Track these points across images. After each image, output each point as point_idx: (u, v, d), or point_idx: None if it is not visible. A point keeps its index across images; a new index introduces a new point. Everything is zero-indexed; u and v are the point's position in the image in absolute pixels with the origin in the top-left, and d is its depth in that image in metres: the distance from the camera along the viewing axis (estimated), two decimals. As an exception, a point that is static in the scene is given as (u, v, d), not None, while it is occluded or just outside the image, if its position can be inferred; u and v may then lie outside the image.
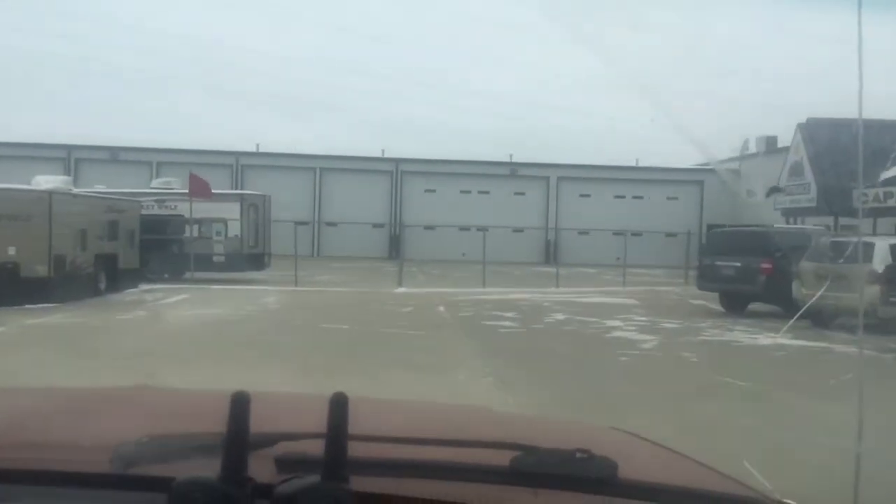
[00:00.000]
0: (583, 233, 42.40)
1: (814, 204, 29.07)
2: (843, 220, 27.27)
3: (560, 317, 17.65)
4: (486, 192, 46.49)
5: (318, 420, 1.17)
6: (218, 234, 25.93)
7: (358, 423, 1.17)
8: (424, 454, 1.28)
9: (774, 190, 31.74)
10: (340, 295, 22.35)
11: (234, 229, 25.99)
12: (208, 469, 1.11)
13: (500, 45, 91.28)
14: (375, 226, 45.36)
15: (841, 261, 15.10)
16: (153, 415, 1.73)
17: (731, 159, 42.10)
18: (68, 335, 13.67)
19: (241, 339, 13.20)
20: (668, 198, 46.72)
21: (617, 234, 35.82)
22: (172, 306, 18.42)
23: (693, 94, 46.88)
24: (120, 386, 2.04)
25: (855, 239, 16.60)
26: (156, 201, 25.41)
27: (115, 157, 44.61)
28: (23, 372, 9.23)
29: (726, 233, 22.67)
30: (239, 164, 45.74)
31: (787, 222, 29.57)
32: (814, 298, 15.45)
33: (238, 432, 1.13)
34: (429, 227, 39.99)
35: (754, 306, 19.05)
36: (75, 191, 21.61)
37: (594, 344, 13.80)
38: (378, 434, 1.32)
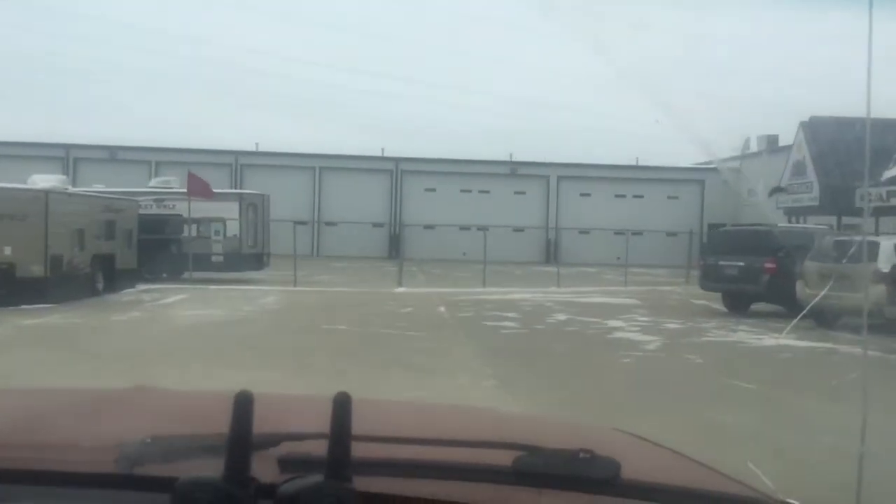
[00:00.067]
0: (583, 232, 42.29)
1: (816, 203, 28.94)
2: (845, 220, 27.13)
3: (562, 317, 17.50)
4: (487, 192, 46.37)
5: (321, 420, 1.17)
6: (216, 233, 25.77)
7: (361, 423, 1.17)
8: (427, 454, 1.28)
9: (777, 190, 31.58)
10: (340, 295, 22.21)
11: (233, 229, 25.83)
12: (212, 469, 1.12)
13: (501, 45, 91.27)
14: (375, 225, 45.22)
15: (845, 260, 14.95)
16: (156, 415, 1.72)
17: (732, 158, 41.95)
18: (64, 336, 13.54)
19: (240, 340, 13.06)
20: (669, 197, 46.61)
21: (617, 233, 35.72)
22: (170, 307, 18.27)
23: (694, 92, 46.71)
24: (123, 387, 2.01)
25: (859, 238, 16.46)
26: (154, 201, 25.25)
27: (113, 156, 44.48)
28: (18, 373, 9.11)
29: (729, 232, 22.53)
30: (238, 163, 45.61)
31: (790, 221, 29.40)
32: (817, 298, 15.31)
33: (241, 432, 1.13)
34: (429, 227, 39.87)
35: (757, 306, 18.93)
36: (72, 190, 21.47)
37: (597, 345, 13.65)
38: (381, 434, 1.32)
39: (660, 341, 14.01)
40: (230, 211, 25.79)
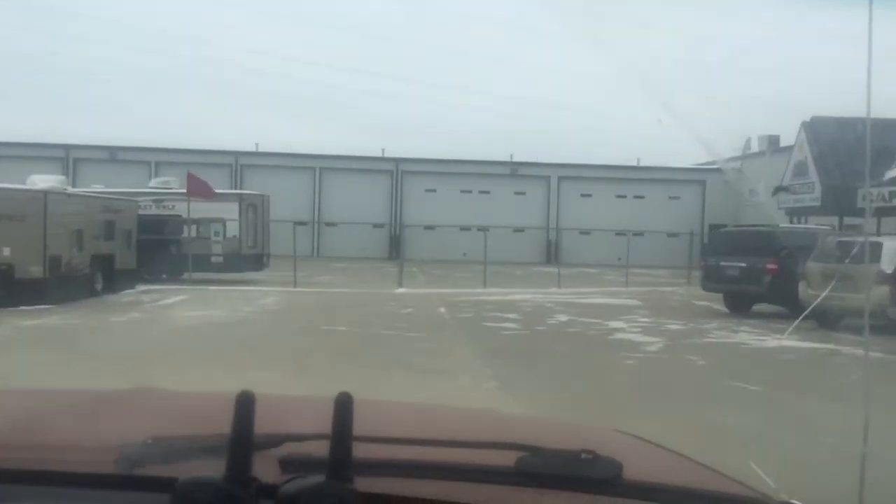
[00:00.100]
0: (584, 233, 42.21)
1: (818, 203, 28.85)
2: (847, 220, 27.05)
3: (563, 318, 17.43)
4: (487, 192, 46.29)
5: (322, 421, 1.16)
6: (216, 234, 25.70)
7: (362, 424, 1.16)
8: (429, 455, 1.28)
9: (780, 189, 31.46)
10: (340, 296, 22.14)
11: (233, 229, 25.75)
12: (212, 470, 1.11)
13: (501, 45, 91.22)
14: (375, 226, 45.15)
15: (848, 261, 14.89)
16: (157, 416, 1.71)
17: (733, 158, 41.88)
18: (63, 337, 13.49)
19: (239, 341, 12.99)
20: (670, 197, 46.53)
21: (618, 234, 35.64)
22: (169, 307, 18.21)
23: (695, 92, 46.64)
24: (124, 388, 2.01)
25: (862, 239, 16.39)
26: (153, 201, 25.18)
27: (113, 156, 44.42)
28: (16, 375, 9.03)
29: (731, 233, 22.47)
30: (238, 163, 45.54)
31: (791, 222, 29.32)
32: (818, 299, 15.27)
33: (242, 432, 1.12)
34: (429, 227, 39.80)
35: (759, 307, 18.87)
36: (71, 190, 21.39)
37: (598, 346, 13.58)
38: (383, 435, 1.32)
39: (661, 343, 13.93)
40: (230, 211, 25.71)
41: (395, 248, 38.19)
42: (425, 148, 55.09)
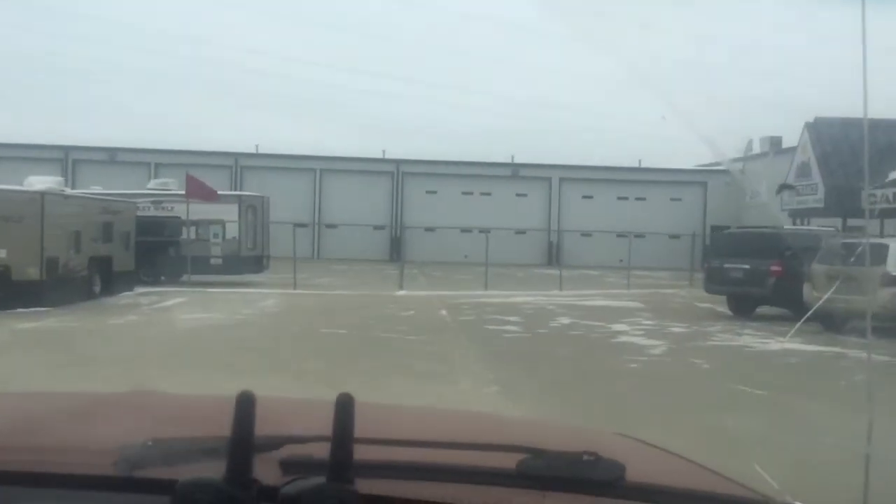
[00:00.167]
0: (585, 234, 42.05)
1: (821, 205, 28.67)
2: (851, 222, 26.87)
3: (565, 321, 17.28)
4: (488, 194, 46.16)
5: (323, 423, 1.16)
6: (215, 236, 25.55)
7: (363, 426, 1.16)
8: (430, 457, 1.27)
9: (784, 187, 31.22)
10: (340, 298, 21.99)
11: (232, 231, 25.61)
12: (213, 471, 1.11)
13: (502, 45, 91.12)
14: (376, 227, 45.01)
15: (853, 263, 14.74)
16: (157, 418, 1.71)
17: (735, 160, 41.75)
18: (60, 340, 13.36)
19: (237, 344, 12.85)
20: (672, 199, 46.40)
21: (620, 235, 35.49)
22: (168, 310, 18.06)
23: (696, 93, 46.54)
24: (124, 390, 1.99)
25: (871, 241, 16.24)
26: (152, 203, 25.03)
27: (113, 158, 44.30)
28: (12, 378, 8.89)
29: (735, 234, 22.31)
30: (238, 165, 45.41)
31: (794, 223, 29.16)
32: (821, 301, 15.14)
33: (243, 434, 1.12)
34: (430, 229, 39.68)
35: (762, 309, 18.72)
36: (69, 192, 21.24)
37: (601, 349, 13.43)
38: (383, 437, 1.32)
39: (665, 346, 13.78)
40: (229, 213, 25.57)
41: (396, 249, 38.02)
42: (426, 149, 54.87)
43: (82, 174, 41.71)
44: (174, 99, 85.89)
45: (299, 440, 1.24)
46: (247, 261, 25.56)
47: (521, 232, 43.40)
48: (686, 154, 40.47)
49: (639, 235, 34.91)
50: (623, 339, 14.62)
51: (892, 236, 18.51)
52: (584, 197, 46.42)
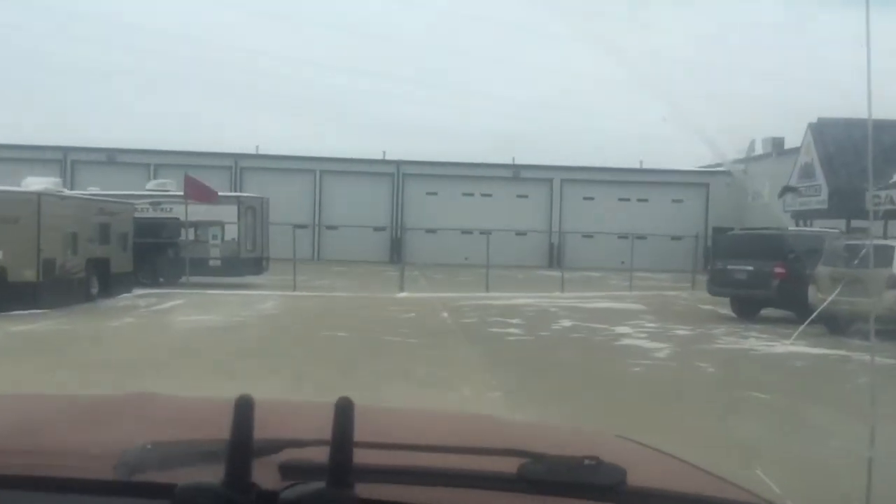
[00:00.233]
0: (587, 236, 41.84)
1: (825, 206, 28.47)
2: (854, 223, 26.66)
3: (567, 323, 17.10)
4: (489, 195, 45.98)
5: (322, 426, 1.15)
6: (214, 237, 25.39)
7: (363, 430, 1.16)
8: (430, 461, 1.25)
9: (788, 190, 31.03)
10: (340, 300, 21.82)
11: (231, 233, 25.44)
12: (212, 475, 1.10)
13: (503, 45, 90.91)
14: (376, 229, 44.83)
15: (858, 265, 14.59)
16: (156, 421, 1.69)
17: (737, 161, 41.57)
18: (55, 343, 13.19)
19: (235, 348, 12.70)
20: (673, 200, 46.20)
21: (621, 237, 35.31)
22: (166, 312, 17.89)
23: (698, 94, 46.37)
24: (123, 392, 1.96)
25: (876, 243, 16.08)
26: (151, 204, 24.86)
27: (112, 159, 44.12)
28: (3, 383, 8.72)
29: (738, 236, 22.12)
30: (238, 165, 45.24)
31: (797, 225, 28.97)
32: (825, 303, 14.99)
33: (242, 438, 1.11)
34: (430, 231, 39.51)
35: (766, 311, 18.58)
36: (66, 192, 21.07)
37: (605, 353, 13.26)
38: (383, 441, 1.29)
39: (669, 349, 13.61)
40: (228, 214, 25.40)
41: (397, 251, 37.83)
42: (427, 150, 54.79)
43: (81, 175, 41.53)
44: (174, 99, 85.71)
45: (298, 444, 1.22)
46: (246, 262, 25.39)
47: (521, 233, 43.16)
48: (688, 155, 40.28)
49: (640, 237, 34.62)
50: (627, 342, 14.43)
51: (897, 238, 18.36)
52: (586, 198, 46.25)
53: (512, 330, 15.81)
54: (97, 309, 17.91)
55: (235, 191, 37.05)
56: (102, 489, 1.21)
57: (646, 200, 46.04)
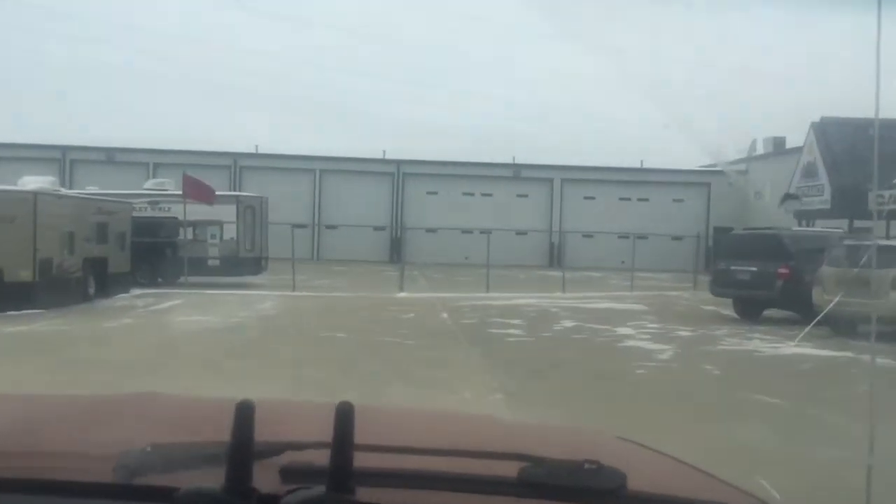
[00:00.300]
0: (587, 236, 41.67)
1: (828, 206, 28.31)
2: (857, 223, 26.49)
3: (569, 324, 16.95)
4: (489, 195, 45.81)
5: (323, 429, 1.16)
6: (213, 237, 25.24)
7: (364, 432, 1.16)
8: (431, 464, 1.24)
9: (788, 197, 30.88)
10: (340, 300, 21.66)
11: (230, 232, 25.30)
12: (212, 479, 1.11)
13: (503, 46, 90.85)
14: (376, 229, 44.68)
15: (864, 265, 14.43)
16: (156, 423, 1.67)
17: (738, 161, 41.45)
18: (51, 344, 13.06)
19: (233, 348, 12.58)
20: (674, 200, 46.01)
21: (622, 237, 35.18)
22: (164, 312, 17.75)
23: (699, 94, 46.22)
24: (123, 392, 1.96)
25: (882, 243, 15.93)
26: (149, 203, 24.70)
27: (111, 158, 43.95)
28: (-2, 384, 8.58)
29: (741, 236, 21.96)
30: (237, 165, 45.09)
31: (800, 225, 28.81)
32: (830, 305, 14.84)
33: (242, 442, 1.12)
34: (431, 230, 39.36)
35: (769, 312, 18.41)
36: (62, 191, 20.91)
37: (607, 354, 13.12)
38: (384, 444, 1.28)
39: (673, 350, 13.46)
40: (227, 214, 25.25)
41: (396, 251, 37.69)
42: (427, 150, 54.35)
43: (80, 174, 41.38)
44: (173, 99, 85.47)
45: (299, 447, 1.22)
46: (245, 262, 25.24)
47: (522, 233, 43.00)
48: (689, 155, 40.12)
49: (641, 237, 34.48)
50: (629, 343, 14.28)
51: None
52: (586, 198, 46.08)
53: (512, 331, 15.66)
54: (94, 309, 17.77)
55: (234, 190, 36.92)
56: (102, 492, 1.20)
57: (647, 200, 45.86)
